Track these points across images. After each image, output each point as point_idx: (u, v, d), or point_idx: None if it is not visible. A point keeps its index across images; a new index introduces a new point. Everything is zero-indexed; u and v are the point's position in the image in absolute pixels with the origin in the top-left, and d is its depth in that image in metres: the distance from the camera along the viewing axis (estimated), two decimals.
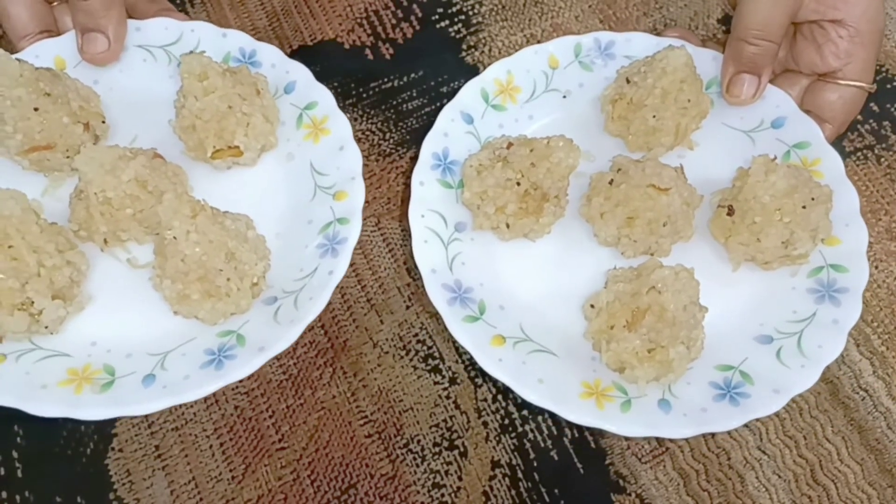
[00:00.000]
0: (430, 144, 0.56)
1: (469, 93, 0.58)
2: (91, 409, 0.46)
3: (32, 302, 0.47)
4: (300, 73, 0.58)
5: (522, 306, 0.52)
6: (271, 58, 0.59)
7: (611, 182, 0.53)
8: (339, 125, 0.56)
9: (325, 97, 0.57)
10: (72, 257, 0.50)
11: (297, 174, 0.56)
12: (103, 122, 0.56)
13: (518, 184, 0.52)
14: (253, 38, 0.59)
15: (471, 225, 0.55)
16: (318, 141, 0.56)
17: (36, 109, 0.52)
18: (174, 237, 0.47)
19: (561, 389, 0.48)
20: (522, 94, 0.59)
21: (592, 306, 0.51)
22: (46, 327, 0.49)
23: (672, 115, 0.55)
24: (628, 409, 0.47)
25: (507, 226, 0.53)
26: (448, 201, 0.55)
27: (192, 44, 0.59)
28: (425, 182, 0.55)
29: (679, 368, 0.47)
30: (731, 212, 0.52)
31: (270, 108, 0.56)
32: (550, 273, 0.54)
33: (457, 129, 0.57)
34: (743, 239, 0.52)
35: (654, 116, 0.55)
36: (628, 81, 0.56)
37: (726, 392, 0.48)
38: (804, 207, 0.50)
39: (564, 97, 0.60)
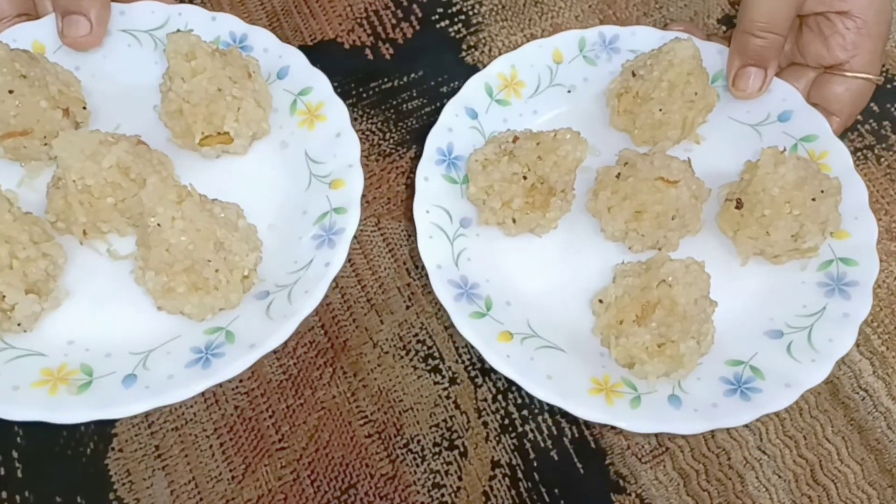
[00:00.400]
0: (435, 139, 0.55)
1: (473, 87, 0.57)
2: (67, 411, 0.43)
3: (4, 296, 0.45)
4: (294, 57, 0.56)
5: (529, 302, 0.52)
6: (263, 42, 0.57)
7: (618, 176, 0.52)
8: (336, 111, 0.54)
9: (320, 82, 0.55)
10: (48, 249, 0.47)
11: (291, 163, 0.54)
12: (84, 107, 0.53)
13: (524, 178, 0.51)
14: (244, 22, 0.57)
15: (476, 220, 0.54)
16: (314, 128, 0.54)
17: (11, 92, 0.49)
18: (158, 224, 0.45)
19: (570, 385, 0.47)
20: (527, 88, 0.59)
21: (601, 301, 0.50)
22: (19, 324, 0.46)
23: (679, 108, 0.54)
24: (638, 405, 0.47)
25: (514, 220, 0.52)
26: (453, 196, 0.54)
27: (180, 28, 0.56)
28: (430, 177, 0.54)
29: (690, 363, 0.47)
30: (739, 205, 0.52)
31: (263, 92, 0.54)
32: (557, 268, 0.54)
33: (461, 124, 0.56)
34: (752, 232, 0.52)
35: (660, 110, 0.54)
36: (634, 75, 0.56)
37: (737, 387, 0.48)
38: (814, 200, 0.50)
39: (569, 92, 0.59)
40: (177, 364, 0.46)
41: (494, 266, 0.53)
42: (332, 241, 0.49)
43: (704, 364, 0.49)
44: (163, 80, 0.53)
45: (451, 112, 0.56)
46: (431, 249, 0.51)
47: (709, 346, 0.49)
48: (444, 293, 0.49)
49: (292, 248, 0.51)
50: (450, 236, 0.52)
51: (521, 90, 0.58)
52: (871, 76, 0.56)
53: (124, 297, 0.49)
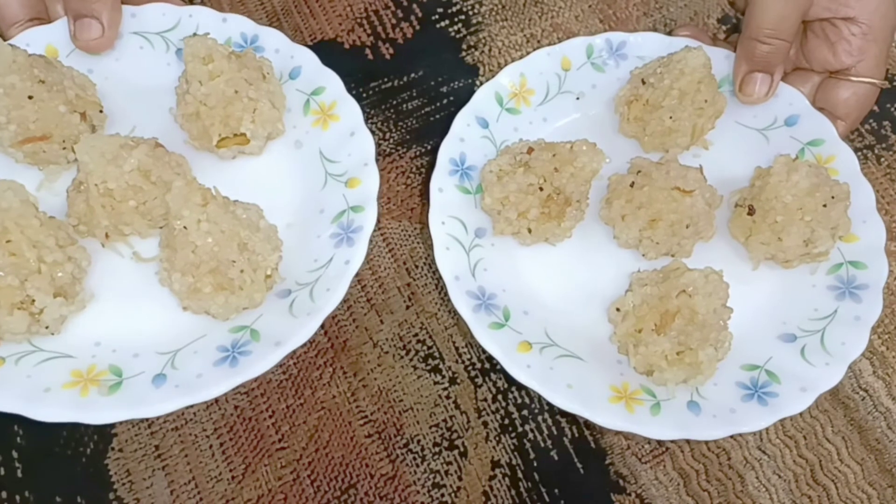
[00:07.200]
0: (447, 150, 0.55)
1: (483, 96, 0.57)
2: (99, 412, 0.44)
3: (33, 300, 0.45)
4: (306, 57, 0.56)
5: (546, 311, 0.52)
6: (275, 43, 0.57)
7: (632, 184, 0.52)
8: (349, 110, 0.55)
9: (332, 82, 0.55)
10: (73, 252, 0.47)
11: (306, 162, 0.55)
12: (101, 111, 0.54)
13: (541, 188, 0.51)
14: (255, 23, 0.57)
15: (490, 230, 0.54)
16: (328, 127, 0.55)
17: (30, 97, 0.49)
18: (184, 227, 0.45)
19: (590, 394, 0.48)
20: (536, 96, 0.59)
21: (618, 310, 0.50)
22: (47, 327, 0.46)
23: (689, 115, 0.55)
24: (658, 412, 0.47)
25: (529, 230, 0.52)
26: (467, 207, 0.54)
27: (191, 30, 0.57)
28: (444, 188, 0.54)
29: (708, 370, 0.47)
30: (751, 211, 0.52)
31: (277, 93, 0.54)
32: (572, 277, 0.54)
33: (473, 133, 0.56)
34: (764, 238, 0.52)
35: (670, 117, 0.55)
36: (644, 83, 0.56)
37: (754, 392, 0.48)
38: (825, 206, 0.50)
39: (578, 99, 0.60)
40: (205, 363, 0.46)
41: (510, 276, 0.53)
42: (351, 239, 0.50)
43: (721, 369, 0.49)
44: (179, 83, 0.53)
45: (463, 122, 0.56)
46: (448, 261, 0.51)
47: (726, 352, 0.49)
48: (462, 304, 0.49)
49: (311, 246, 0.51)
50: (466, 247, 0.52)
51: (530, 98, 0.58)
52: (876, 81, 0.56)
53: (148, 298, 0.49)
